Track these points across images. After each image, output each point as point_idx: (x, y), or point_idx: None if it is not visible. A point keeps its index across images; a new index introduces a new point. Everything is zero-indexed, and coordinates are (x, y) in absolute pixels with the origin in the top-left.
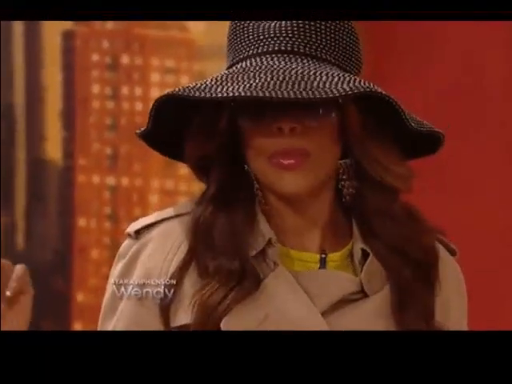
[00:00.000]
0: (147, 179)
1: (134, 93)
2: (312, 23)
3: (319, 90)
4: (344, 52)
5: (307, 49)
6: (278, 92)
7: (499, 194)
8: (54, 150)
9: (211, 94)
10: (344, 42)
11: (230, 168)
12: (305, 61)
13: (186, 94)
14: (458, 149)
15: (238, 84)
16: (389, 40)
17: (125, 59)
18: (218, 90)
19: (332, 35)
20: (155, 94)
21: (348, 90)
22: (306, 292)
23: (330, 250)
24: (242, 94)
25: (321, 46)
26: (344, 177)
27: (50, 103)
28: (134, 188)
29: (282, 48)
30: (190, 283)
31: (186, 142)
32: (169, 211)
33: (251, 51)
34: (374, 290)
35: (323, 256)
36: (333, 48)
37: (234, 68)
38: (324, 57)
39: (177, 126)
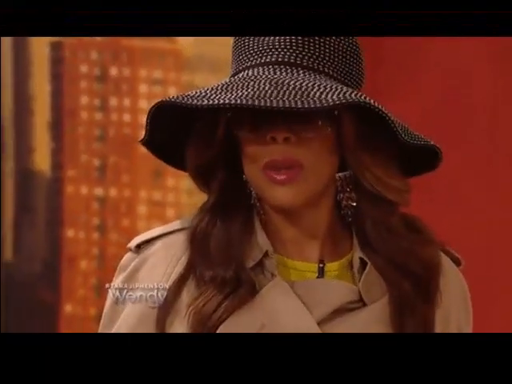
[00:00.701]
0: (135, 190)
1: (123, 104)
2: (311, 37)
3: (308, 99)
4: (344, 65)
5: (305, 61)
6: (268, 101)
7: (491, 202)
8: (42, 160)
9: (202, 102)
10: (345, 55)
11: (230, 177)
12: (301, 72)
13: (178, 101)
14: (450, 159)
15: (231, 93)
16: (377, 54)
17: (113, 70)
18: (211, 98)
19: (332, 48)
20: (143, 105)
21: (336, 100)
22: (304, 301)
23: (329, 259)
24: (233, 101)
25: (319, 59)
26: (342, 189)
27: (38, 114)
28: (123, 199)
29: (280, 59)
30: (188, 295)
31: (187, 150)
32: (170, 226)
33: (250, 62)
34: (372, 299)
35: (321, 266)
36: (331, 61)
37: (232, 78)
38: (322, 69)
39: (177, 134)
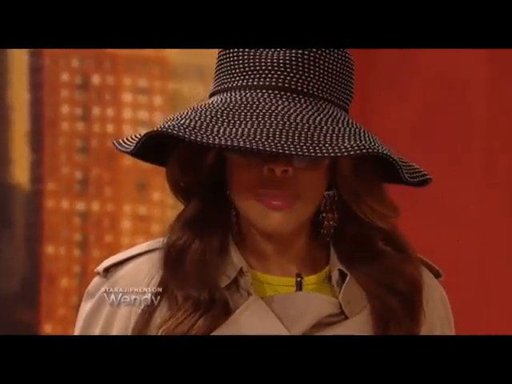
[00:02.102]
0: (119, 204)
1: (106, 113)
2: (311, 58)
3: (320, 146)
4: (340, 87)
5: (305, 86)
6: (285, 146)
7: (485, 210)
8: (21, 173)
9: (207, 140)
10: (342, 77)
11: (211, 194)
12: (302, 101)
13: (181, 134)
14: (441, 173)
15: (233, 126)
16: (368, 64)
17: (95, 79)
18: (214, 133)
19: (330, 71)
20: (127, 114)
21: (350, 149)
22: (284, 316)
23: (307, 273)
24: (242, 144)
25: (318, 83)
26: (325, 209)
27: (17, 124)
28: (106, 213)
29: (279, 84)
30: (160, 315)
31: (170, 164)
32: (139, 248)
33: (246, 81)
34: (353, 311)
35: (299, 279)
36: (329, 85)
37: (228, 98)
38: (322, 95)
39: (162, 143)
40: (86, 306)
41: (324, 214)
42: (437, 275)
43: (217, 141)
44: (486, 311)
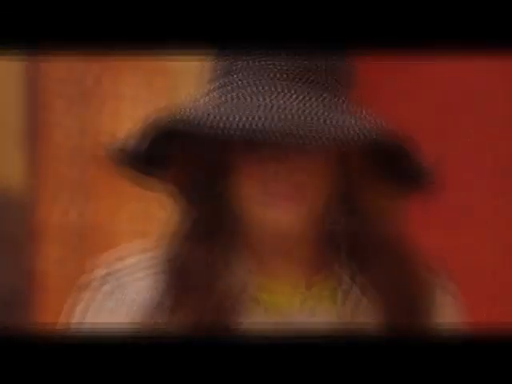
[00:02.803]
0: (115, 206)
1: (102, 114)
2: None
3: (355, 129)
4: (343, 81)
5: (310, 75)
6: (313, 132)
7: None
8: (10, 182)
9: (231, 126)
10: (342, 68)
11: (211, 198)
12: (309, 89)
13: (201, 123)
14: (451, 176)
15: (257, 113)
16: (370, 64)
17: (91, 78)
18: (236, 119)
19: (334, 62)
20: (125, 123)
21: (368, 135)
22: (290, 330)
23: (311, 281)
24: (247, 127)
25: (324, 74)
26: (328, 210)
27: (8, 125)
28: (100, 224)
29: (288, 74)
30: None
31: (172, 166)
32: (136, 257)
33: (252, 76)
34: (360, 324)
35: (304, 289)
36: (331, 73)
37: (236, 92)
38: (326, 85)
39: (159, 147)
40: (76, 313)
41: (326, 216)
42: (447, 282)
43: (240, 127)
44: (497, 314)
